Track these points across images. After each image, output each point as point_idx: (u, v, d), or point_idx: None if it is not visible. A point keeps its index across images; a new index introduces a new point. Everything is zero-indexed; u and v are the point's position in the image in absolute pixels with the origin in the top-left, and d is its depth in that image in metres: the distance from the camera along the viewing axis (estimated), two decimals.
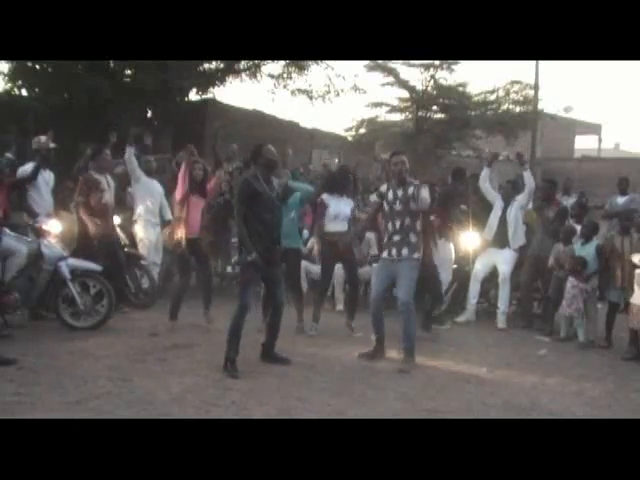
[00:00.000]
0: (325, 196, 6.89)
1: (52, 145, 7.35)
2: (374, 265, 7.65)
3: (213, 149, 8.99)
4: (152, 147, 9.68)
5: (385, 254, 5.83)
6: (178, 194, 6.60)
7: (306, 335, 6.62)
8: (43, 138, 7.42)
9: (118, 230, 7.48)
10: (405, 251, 5.68)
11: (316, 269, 8.22)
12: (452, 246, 7.72)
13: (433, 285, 6.91)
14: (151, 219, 7.83)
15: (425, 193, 5.65)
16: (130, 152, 7.50)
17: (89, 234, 7.02)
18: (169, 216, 7.82)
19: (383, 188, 5.96)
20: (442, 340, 6.83)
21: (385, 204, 5.83)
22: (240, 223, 5.32)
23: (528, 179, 7.77)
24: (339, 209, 6.77)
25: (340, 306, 8.12)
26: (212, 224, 7.53)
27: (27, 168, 7.19)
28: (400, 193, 5.72)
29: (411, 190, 5.67)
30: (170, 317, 6.63)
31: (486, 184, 7.99)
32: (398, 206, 5.73)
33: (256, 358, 5.56)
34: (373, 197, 8.75)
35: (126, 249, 7.52)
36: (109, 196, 7.12)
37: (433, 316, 7.59)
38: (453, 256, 7.77)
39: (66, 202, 7.51)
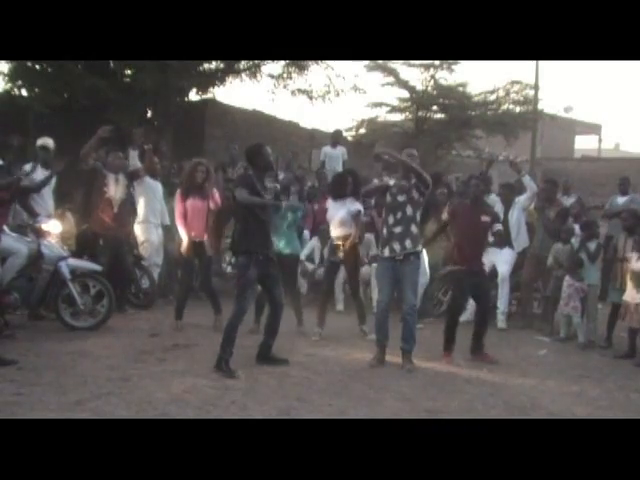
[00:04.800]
0: (328, 202, 6.91)
1: (46, 145, 7.31)
2: (373, 265, 7.65)
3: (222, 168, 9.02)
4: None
5: (386, 252, 5.66)
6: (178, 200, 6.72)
7: (306, 336, 6.61)
8: (46, 142, 7.38)
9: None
10: (408, 243, 5.59)
11: (315, 268, 8.25)
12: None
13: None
14: (153, 221, 7.85)
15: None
16: (133, 155, 7.63)
17: (95, 231, 7.06)
18: (167, 220, 7.86)
19: (391, 181, 5.89)
20: (442, 340, 6.81)
21: (389, 196, 5.75)
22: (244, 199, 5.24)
23: (528, 183, 7.77)
24: (338, 213, 6.68)
25: (340, 306, 8.11)
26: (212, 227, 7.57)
27: (27, 168, 7.16)
28: (404, 183, 5.68)
29: (413, 180, 5.66)
30: (176, 317, 6.69)
31: None
32: (401, 197, 5.67)
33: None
34: (372, 202, 8.74)
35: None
36: (114, 192, 7.14)
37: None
38: (426, 258, 7.52)
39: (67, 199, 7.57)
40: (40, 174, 7.11)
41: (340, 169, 11.35)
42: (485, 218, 6.13)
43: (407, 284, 5.63)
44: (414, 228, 5.65)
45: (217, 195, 6.87)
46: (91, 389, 4.58)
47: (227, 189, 9.04)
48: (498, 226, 6.27)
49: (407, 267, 5.62)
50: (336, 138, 11.88)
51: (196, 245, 6.63)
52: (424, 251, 7.47)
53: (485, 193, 6.44)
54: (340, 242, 6.66)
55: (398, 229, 5.63)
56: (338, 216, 6.67)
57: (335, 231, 6.71)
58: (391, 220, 5.69)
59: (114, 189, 7.15)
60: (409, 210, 5.63)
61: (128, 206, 7.42)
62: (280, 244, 6.62)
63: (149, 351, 5.72)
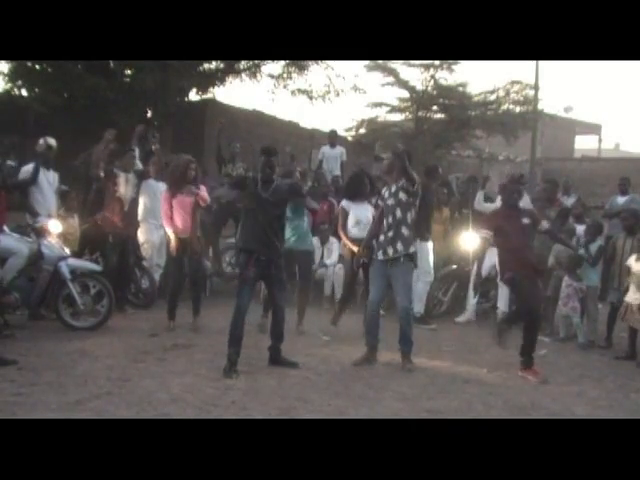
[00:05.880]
0: (345, 203, 6.74)
1: (51, 144, 7.32)
2: None
3: (218, 150, 9.01)
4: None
5: (380, 254, 5.66)
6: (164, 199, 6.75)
7: (306, 336, 6.60)
8: (50, 141, 7.39)
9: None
10: (400, 246, 5.57)
11: (315, 268, 8.21)
12: (430, 245, 7.44)
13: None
14: (154, 221, 7.82)
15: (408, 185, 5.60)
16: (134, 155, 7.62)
17: (105, 230, 7.09)
18: None
19: (383, 191, 5.90)
20: (442, 340, 6.82)
21: (380, 201, 5.79)
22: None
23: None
24: (360, 215, 6.61)
25: None
26: (211, 227, 7.57)
27: (28, 169, 7.18)
28: (393, 188, 5.68)
29: (401, 182, 5.61)
30: (168, 317, 6.65)
31: (480, 206, 8.05)
32: (390, 200, 5.67)
33: (256, 358, 5.55)
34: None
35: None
36: (125, 191, 7.22)
37: (419, 317, 7.49)
38: (431, 257, 7.50)
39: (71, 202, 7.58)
40: (41, 174, 7.13)
41: (338, 169, 11.35)
42: (526, 221, 5.89)
43: (399, 286, 5.61)
44: (405, 230, 5.60)
45: (204, 192, 6.77)
46: (91, 389, 4.59)
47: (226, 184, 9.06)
48: (545, 225, 6.11)
49: (397, 269, 5.60)
50: (332, 138, 11.89)
51: (183, 242, 6.58)
52: (430, 251, 7.47)
53: (519, 200, 6.30)
54: (357, 244, 6.44)
55: (390, 233, 5.63)
56: (367, 217, 6.57)
57: (359, 233, 6.51)
58: (385, 224, 5.69)
59: (124, 188, 7.22)
60: (398, 213, 5.61)
61: (137, 205, 7.48)
62: (292, 240, 6.54)
63: (149, 351, 5.71)
